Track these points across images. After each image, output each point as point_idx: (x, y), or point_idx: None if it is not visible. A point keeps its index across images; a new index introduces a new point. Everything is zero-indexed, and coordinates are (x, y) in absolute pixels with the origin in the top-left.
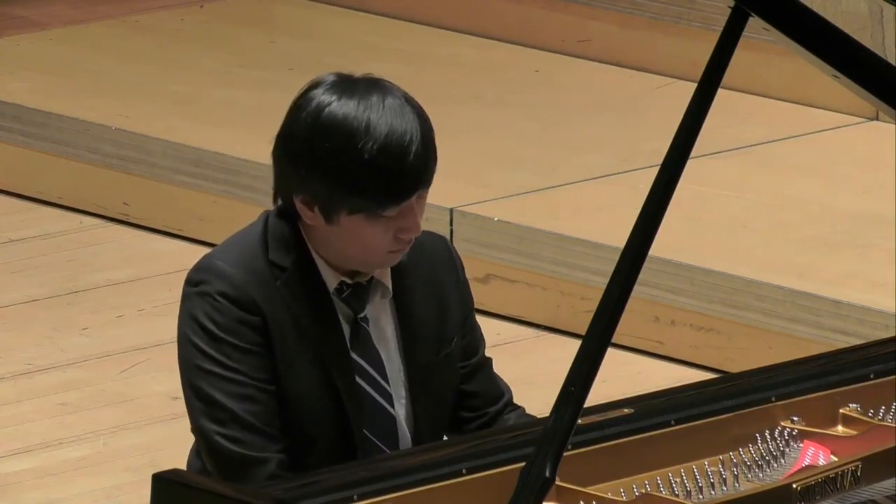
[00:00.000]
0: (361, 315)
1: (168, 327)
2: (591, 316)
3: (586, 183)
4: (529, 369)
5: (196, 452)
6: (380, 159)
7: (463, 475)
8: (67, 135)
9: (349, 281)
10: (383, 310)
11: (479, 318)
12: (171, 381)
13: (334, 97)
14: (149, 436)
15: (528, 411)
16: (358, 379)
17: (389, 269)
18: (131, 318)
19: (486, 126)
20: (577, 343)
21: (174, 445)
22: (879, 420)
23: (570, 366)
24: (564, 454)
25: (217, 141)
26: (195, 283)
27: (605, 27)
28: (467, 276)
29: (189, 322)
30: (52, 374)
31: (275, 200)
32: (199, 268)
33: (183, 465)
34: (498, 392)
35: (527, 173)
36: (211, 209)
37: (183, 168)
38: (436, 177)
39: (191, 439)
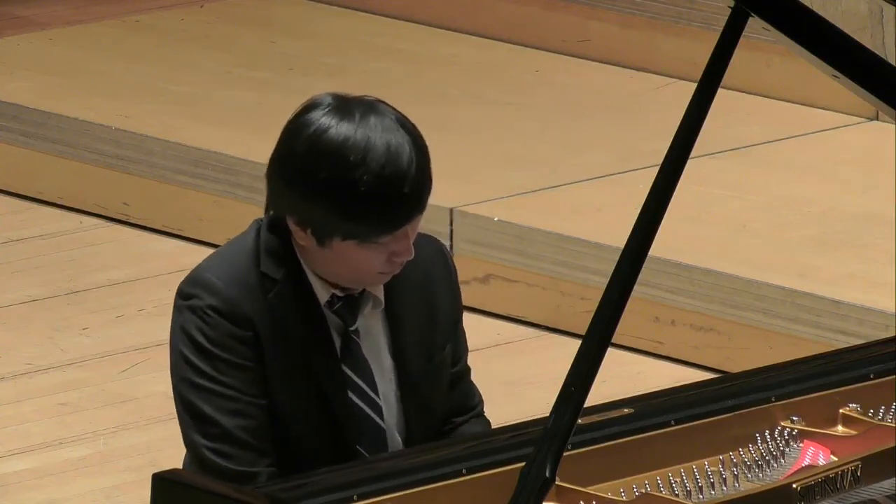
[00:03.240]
0: (353, 328)
1: (168, 327)
2: (591, 316)
3: (586, 183)
4: (529, 369)
5: (189, 461)
6: (376, 189)
7: (463, 475)
8: (67, 135)
9: (340, 293)
10: (375, 320)
11: (479, 318)
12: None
13: (332, 122)
14: (149, 436)
15: (527, 411)
16: (349, 392)
17: None
18: (131, 318)
19: (486, 126)
20: (577, 343)
21: (174, 445)
22: (879, 420)
23: (570, 366)
24: (564, 454)
25: (217, 141)
26: (186, 296)
27: (605, 27)
28: (468, 276)
29: (181, 335)
30: (52, 374)
31: (266, 211)
32: (190, 281)
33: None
34: (471, 403)
35: (527, 173)
36: (211, 209)
37: (183, 168)
38: (436, 177)
39: None
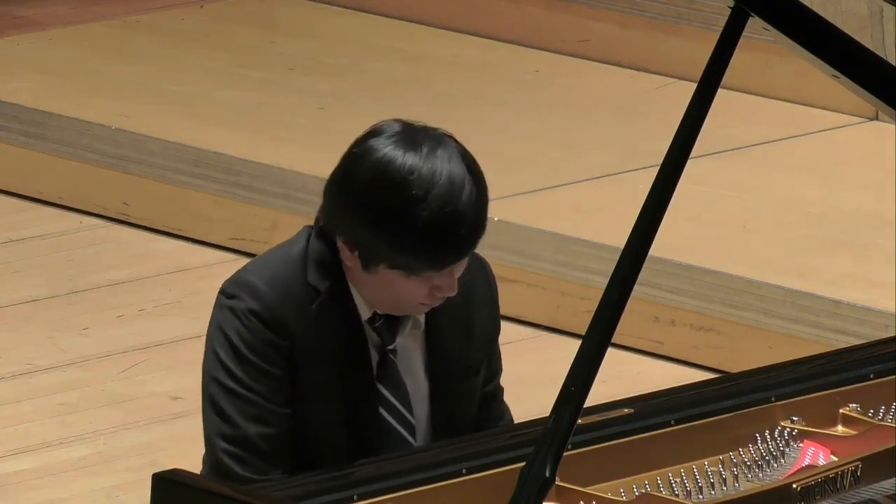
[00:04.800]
0: (391, 346)
1: (168, 327)
2: (591, 316)
3: (586, 183)
4: (529, 369)
5: (206, 459)
6: (433, 227)
7: (463, 475)
8: (67, 135)
9: (381, 312)
10: (413, 340)
11: None
12: (171, 381)
13: (398, 153)
14: (149, 436)
15: (527, 412)
16: (381, 409)
17: None
18: (131, 318)
19: (486, 126)
20: (577, 343)
21: (174, 445)
22: (879, 420)
23: (570, 366)
24: (564, 454)
25: (217, 141)
26: (229, 296)
27: (605, 27)
28: None
29: (217, 334)
30: (52, 374)
31: (317, 220)
32: (234, 282)
33: (183, 465)
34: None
35: (527, 173)
36: (211, 209)
37: (183, 168)
38: None
39: (191, 438)
